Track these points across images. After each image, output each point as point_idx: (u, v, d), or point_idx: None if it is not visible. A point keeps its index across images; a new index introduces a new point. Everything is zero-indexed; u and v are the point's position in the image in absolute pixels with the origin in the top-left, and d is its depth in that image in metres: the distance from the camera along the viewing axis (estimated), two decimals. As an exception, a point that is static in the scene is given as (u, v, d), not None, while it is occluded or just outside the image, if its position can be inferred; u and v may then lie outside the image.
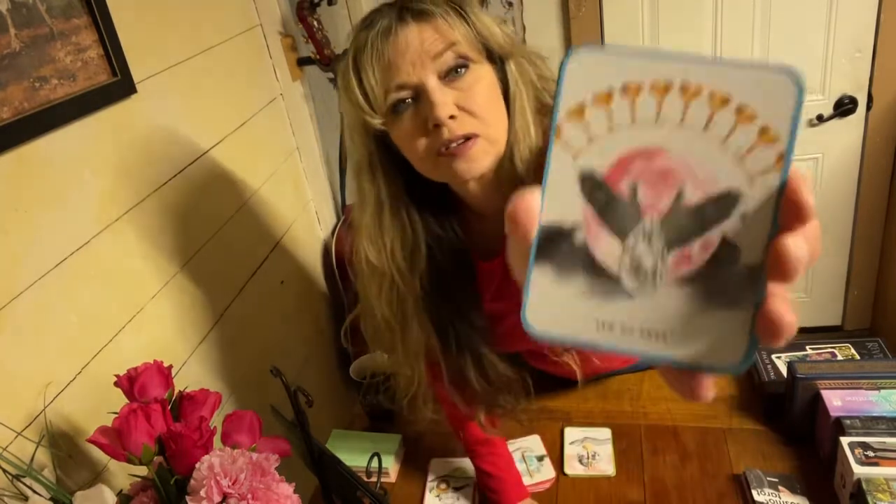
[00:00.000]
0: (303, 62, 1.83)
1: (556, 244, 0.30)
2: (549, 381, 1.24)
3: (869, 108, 1.87)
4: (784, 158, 0.27)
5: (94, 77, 1.07)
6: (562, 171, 0.29)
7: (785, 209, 0.27)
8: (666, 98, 0.28)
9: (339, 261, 1.87)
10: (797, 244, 0.26)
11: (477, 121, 0.76)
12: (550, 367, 1.15)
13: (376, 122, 0.78)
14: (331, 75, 1.76)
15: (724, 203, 0.28)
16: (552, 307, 0.30)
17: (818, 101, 1.89)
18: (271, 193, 1.65)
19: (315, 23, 1.69)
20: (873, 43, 1.80)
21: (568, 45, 1.93)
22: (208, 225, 1.38)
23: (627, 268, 0.29)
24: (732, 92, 0.28)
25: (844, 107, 1.87)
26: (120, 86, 1.12)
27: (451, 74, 0.75)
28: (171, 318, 1.23)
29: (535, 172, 0.80)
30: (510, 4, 1.92)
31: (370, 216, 0.86)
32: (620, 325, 0.29)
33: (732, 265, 0.28)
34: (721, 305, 0.28)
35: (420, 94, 0.75)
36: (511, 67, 0.80)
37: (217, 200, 1.42)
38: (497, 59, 0.80)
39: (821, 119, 1.89)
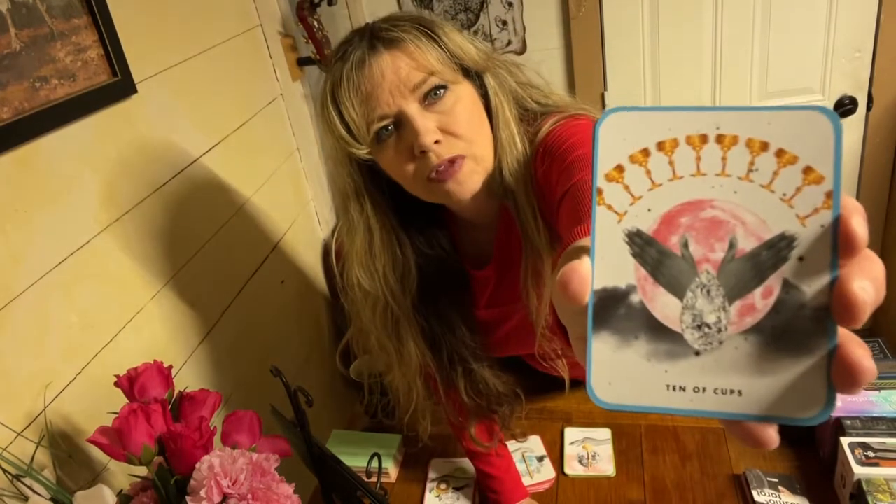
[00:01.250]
0: (303, 62, 1.83)
1: (613, 309, 0.29)
2: (549, 381, 1.24)
3: (869, 108, 1.87)
4: (833, 195, 0.26)
5: (94, 77, 1.07)
6: (609, 233, 0.29)
7: (841, 244, 0.26)
8: (703, 149, 0.28)
9: (339, 261, 1.87)
10: (860, 285, 0.25)
11: (462, 142, 0.76)
12: (551, 369, 1.15)
13: (362, 152, 0.78)
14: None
15: (778, 247, 0.27)
16: (617, 375, 0.29)
17: (818, 101, 1.89)
18: (271, 193, 1.65)
19: (315, 23, 1.69)
20: (873, 43, 1.80)
21: (568, 45, 1.93)
22: (208, 225, 1.38)
23: (690, 325, 0.28)
24: (769, 136, 0.27)
25: (844, 107, 1.87)
26: (120, 86, 1.12)
27: (430, 98, 0.75)
28: (171, 319, 1.23)
29: (525, 182, 0.80)
30: (510, 4, 1.92)
31: (360, 244, 0.87)
32: (692, 387, 0.28)
33: (798, 311, 0.27)
34: (793, 355, 0.27)
35: (402, 121, 0.75)
36: (489, 81, 0.80)
37: (217, 200, 1.42)
38: (474, 75, 0.79)
39: (821, 119, 1.89)
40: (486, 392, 0.98)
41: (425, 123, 0.74)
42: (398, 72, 0.73)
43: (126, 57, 1.13)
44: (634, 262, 0.29)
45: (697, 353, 0.28)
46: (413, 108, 0.74)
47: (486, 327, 0.97)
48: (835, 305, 0.26)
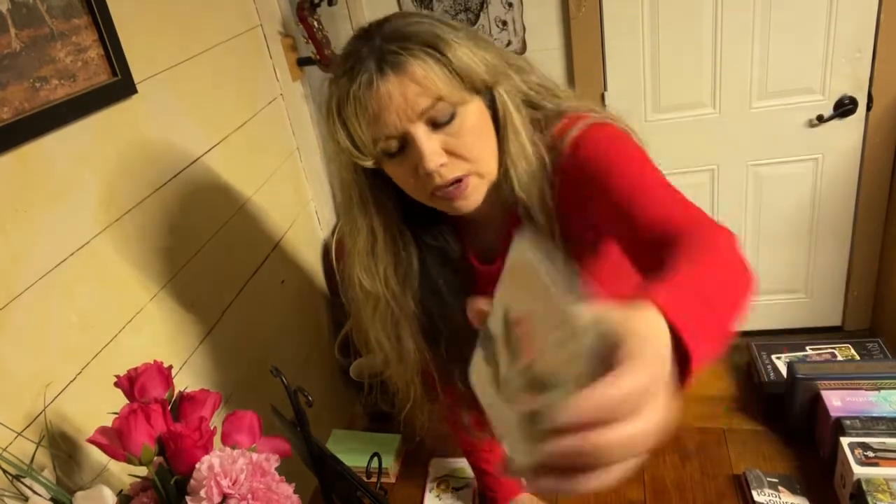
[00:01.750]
0: (303, 62, 1.83)
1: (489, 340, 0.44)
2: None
3: (869, 108, 1.87)
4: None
5: (95, 77, 1.07)
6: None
7: None
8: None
9: (340, 259, 1.87)
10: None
11: (467, 163, 0.77)
12: None
13: (368, 163, 0.78)
14: (331, 75, 1.76)
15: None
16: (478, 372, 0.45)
17: (818, 102, 1.89)
18: (271, 193, 1.65)
19: (315, 23, 1.69)
20: (873, 43, 1.80)
21: (568, 45, 1.94)
22: (208, 225, 1.38)
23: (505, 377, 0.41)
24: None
25: (844, 107, 1.87)
26: (120, 86, 1.12)
27: (437, 121, 0.75)
28: (171, 319, 1.23)
29: (540, 191, 0.80)
30: (510, 5, 1.92)
31: (363, 245, 0.87)
32: (497, 406, 0.42)
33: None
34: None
35: (408, 141, 0.75)
36: (500, 93, 0.79)
37: (217, 200, 1.42)
38: (485, 92, 0.79)
39: (821, 119, 1.89)
40: None
41: (431, 146, 0.74)
42: (405, 96, 0.73)
43: (126, 57, 1.13)
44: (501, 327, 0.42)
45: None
46: (420, 131, 0.74)
47: None
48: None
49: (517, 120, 0.80)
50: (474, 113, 0.77)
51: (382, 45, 0.74)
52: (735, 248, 0.59)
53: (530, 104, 0.83)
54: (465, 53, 0.75)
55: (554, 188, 0.80)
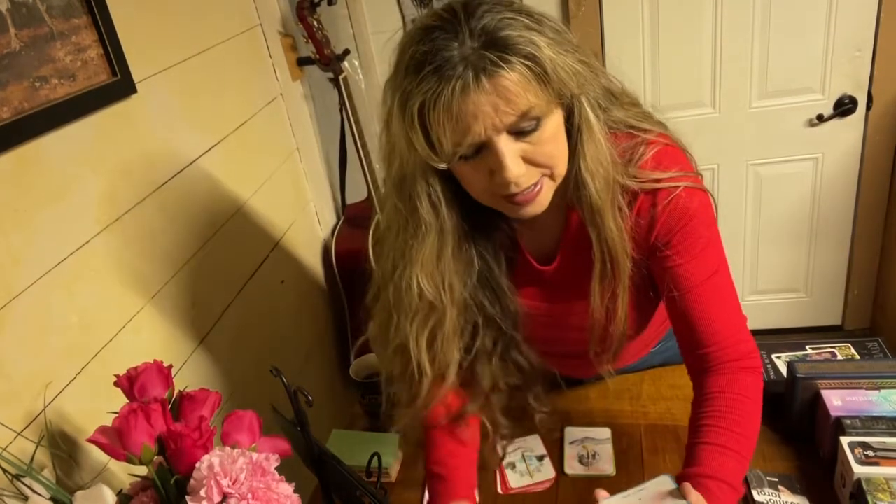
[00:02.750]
0: (303, 62, 1.83)
1: None
2: (550, 382, 1.24)
3: (869, 108, 1.87)
4: None
5: (94, 77, 1.07)
6: None
7: None
8: None
9: (339, 261, 1.87)
10: None
11: (543, 169, 0.77)
12: (561, 367, 1.15)
13: (441, 166, 0.76)
14: (331, 75, 1.76)
15: None
16: None
17: (818, 101, 1.89)
18: (271, 193, 1.65)
19: (315, 23, 1.69)
20: (873, 43, 1.80)
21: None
22: (208, 225, 1.38)
23: None
24: None
25: (844, 107, 1.87)
26: (120, 86, 1.12)
27: (520, 130, 0.74)
28: (171, 318, 1.23)
29: (613, 202, 0.82)
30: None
31: (430, 249, 0.83)
32: None
33: None
34: None
35: (486, 146, 0.74)
36: (582, 102, 0.78)
37: (217, 200, 1.42)
38: (568, 102, 0.78)
39: (821, 119, 1.89)
40: (527, 368, 0.98)
41: (513, 157, 0.73)
42: (496, 107, 0.71)
43: (126, 57, 1.13)
44: None
45: None
46: (502, 141, 0.73)
47: (525, 319, 0.96)
48: None
49: (596, 127, 0.79)
50: (556, 123, 0.76)
51: (479, 52, 0.70)
52: (759, 388, 0.87)
53: (610, 110, 0.83)
54: (559, 64, 0.73)
55: (624, 213, 0.82)
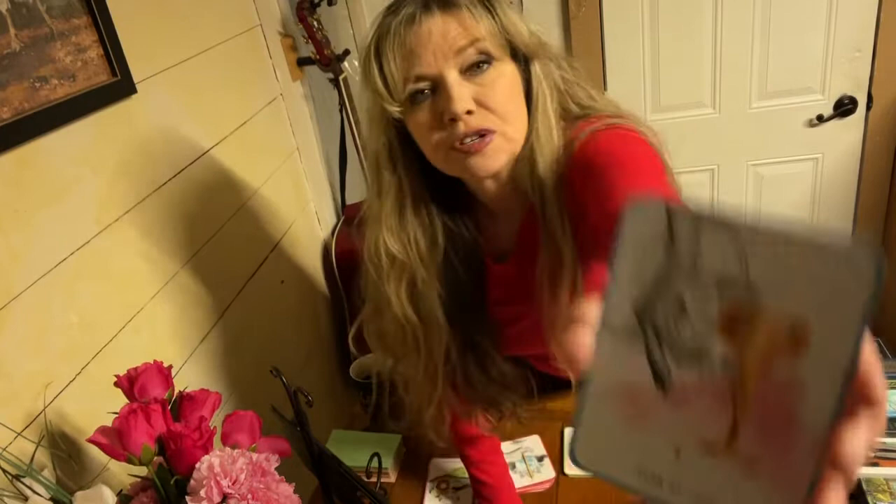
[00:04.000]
0: (303, 62, 1.83)
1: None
2: (550, 382, 1.24)
3: (869, 108, 1.87)
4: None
5: (94, 77, 1.07)
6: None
7: (854, 394, 0.25)
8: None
9: (339, 261, 1.87)
10: (858, 442, 0.25)
11: (495, 117, 0.75)
12: (554, 370, 1.15)
13: (394, 109, 0.76)
14: (331, 75, 1.76)
15: None
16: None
17: (818, 101, 1.89)
18: (271, 193, 1.65)
19: (315, 23, 1.69)
20: (873, 43, 1.80)
21: (568, 45, 1.93)
22: (208, 225, 1.38)
23: None
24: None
25: (844, 107, 1.87)
26: (120, 86, 1.12)
27: (472, 69, 0.74)
28: (171, 318, 1.23)
29: (555, 181, 0.78)
30: (510, 4, 1.92)
31: (391, 207, 0.84)
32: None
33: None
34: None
35: (438, 86, 0.74)
36: (536, 68, 0.78)
37: (217, 200, 1.42)
38: (522, 59, 0.78)
39: (821, 119, 1.89)
40: (498, 375, 0.96)
41: (461, 91, 0.73)
42: (446, 35, 0.72)
43: (126, 57, 1.13)
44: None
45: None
46: (452, 75, 0.73)
47: (498, 324, 0.95)
48: (829, 455, 0.25)
49: (548, 100, 0.79)
50: (509, 74, 0.76)
51: None
52: None
53: (564, 97, 0.82)
54: (514, 15, 0.76)
55: (567, 183, 0.77)
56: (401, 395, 1.00)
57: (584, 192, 0.72)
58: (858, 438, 0.25)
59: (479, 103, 0.74)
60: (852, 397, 0.25)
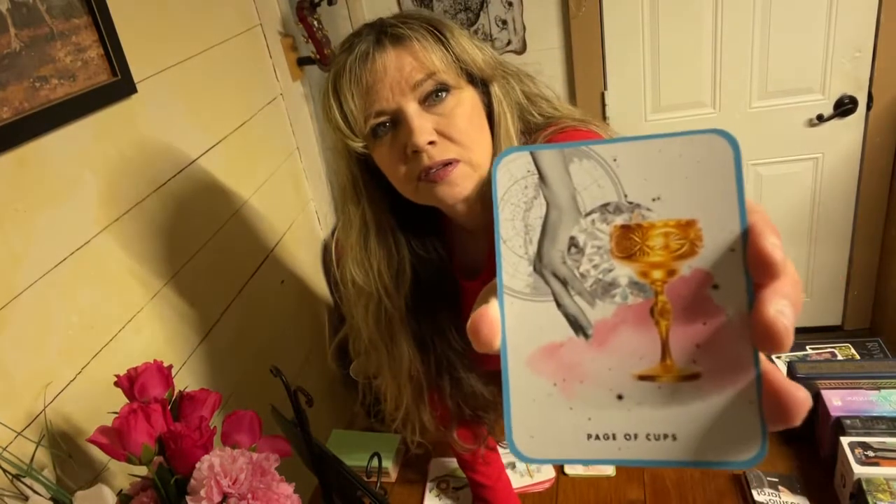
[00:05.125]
0: (303, 62, 1.83)
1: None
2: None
3: (869, 108, 1.87)
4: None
5: (94, 77, 1.07)
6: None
7: (753, 266, 0.25)
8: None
9: (339, 261, 1.87)
10: (777, 308, 0.24)
11: (457, 146, 0.75)
12: None
13: (357, 145, 0.77)
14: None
15: None
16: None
17: (818, 101, 1.89)
18: (271, 193, 1.65)
19: (315, 23, 1.69)
20: (873, 43, 1.80)
21: (568, 45, 1.94)
22: (208, 225, 1.38)
23: None
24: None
25: (844, 107, 1.87)
26: (120, 86, 1.12)
27: (430, 99, 0.74)
28: (170, 318, 1.23)
29: None
30: (510, 4, 1.92)
31: (356, 239, 0.86)
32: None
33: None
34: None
35: (399, 120, 0.74)
36: (495, 90, 0.79)
37: (217, 200, 1.42)
38: (479, 82, 0.78)
39: (821, 119, 1.89)
40: (472, 399, 0.97)
41: (421, 123, 0.73)
42: (401, 69, 0.73)
43: (126, 57, 1.13)
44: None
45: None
46: (411, 108, 0.73)
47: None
48: (754, 333, 0.24)
49: (509, 120, 0.79)
50: (468, 100, 0.76)
51: (384, 21, 0.75)
52: None
53: (523, 112, 0.83)
54: (466, 41, 0.76)
55: None
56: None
57: None
58: (778, 303, 0.24)
59: (441, 133, 0.74)
60: (756, 268, 0.25)
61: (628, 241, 0.26)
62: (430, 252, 0.90)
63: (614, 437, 0.27)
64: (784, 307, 0.24)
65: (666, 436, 0.26)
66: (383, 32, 0.74)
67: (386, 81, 0.73)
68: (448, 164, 0.74)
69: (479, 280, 0.91)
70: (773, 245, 0.25)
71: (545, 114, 0.83)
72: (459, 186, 0.76)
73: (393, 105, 0.73)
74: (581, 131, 0.78)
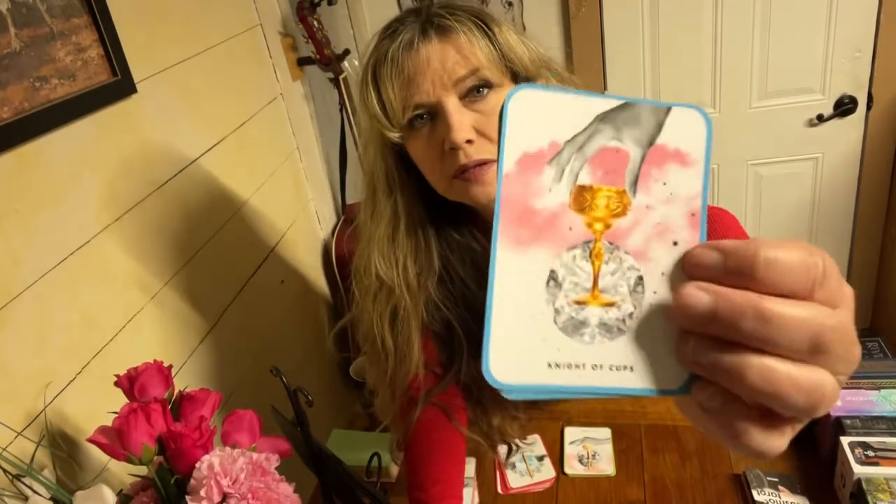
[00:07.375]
0: (303, 62, 1.83)
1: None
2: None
3: (869, 108, 1.87)
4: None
5: (94, 77, 1.07)
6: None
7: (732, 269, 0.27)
8: None
9: (339, 261, 1.87)
10: (693, 289, 0.26)
11: (495, 146, 0.74)
12: None
13: (394, 135, 0.75)
14: (331, 75, 1.76)
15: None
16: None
17: (818, 101, 1.89)
18: (271, 193, 1.65)
19: (315, 23, 1.69)
20: (873, 43, 1.80)
21: (568, 45, 1.93)
22: (208, 225, 1.38)
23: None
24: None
25: (844, 107, 1.87)
26: (120, 86, 1.12)
27: (471, 95, 0.72)
28: (171, 318, 1.23)
29: None
30: (510, 4, 1.92)
31: (384, 230, 0.83)
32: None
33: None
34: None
35: (438, 113, 0.73)
36: None
37: (217, 200, 1.42)
38: (523, 80, 0.77)
39: (821, 119, 1.89)
40: (490, 396, 0.96)
41: (460, 119, 0.71)
42: (444, 62, 0.71)
43: (126, 57, 1.13)
44: None
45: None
46: (451, 102, 0.71)
47: None
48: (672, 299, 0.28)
49: None
50: None
51: (430, 10, 0.73)
52: None
53: None
54: (513, 36, 0.74)
55: None
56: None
57: None
58: (699, 286, 0.26)
59: (479, 131, 0.73)
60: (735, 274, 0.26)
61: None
62: (467, 238, 0.88)
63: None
64: (701, 293, 0.26)
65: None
66: (429, 22, 0.72)
67: (428, 74, 0.71)
68: (484, 163, 0.73)
69: None
70: (703, 251, 0.27)
71: None
72: (493, 186, 0.75)
73: (433, 98, 0.72)
74: None
